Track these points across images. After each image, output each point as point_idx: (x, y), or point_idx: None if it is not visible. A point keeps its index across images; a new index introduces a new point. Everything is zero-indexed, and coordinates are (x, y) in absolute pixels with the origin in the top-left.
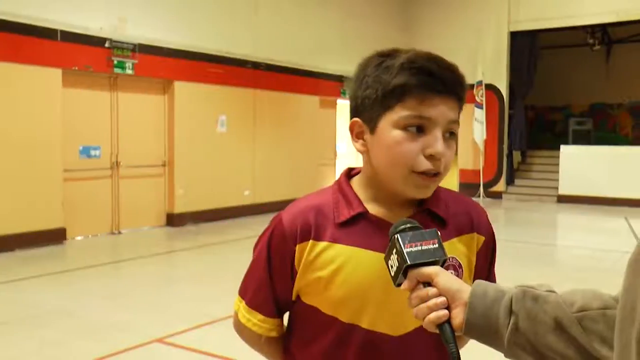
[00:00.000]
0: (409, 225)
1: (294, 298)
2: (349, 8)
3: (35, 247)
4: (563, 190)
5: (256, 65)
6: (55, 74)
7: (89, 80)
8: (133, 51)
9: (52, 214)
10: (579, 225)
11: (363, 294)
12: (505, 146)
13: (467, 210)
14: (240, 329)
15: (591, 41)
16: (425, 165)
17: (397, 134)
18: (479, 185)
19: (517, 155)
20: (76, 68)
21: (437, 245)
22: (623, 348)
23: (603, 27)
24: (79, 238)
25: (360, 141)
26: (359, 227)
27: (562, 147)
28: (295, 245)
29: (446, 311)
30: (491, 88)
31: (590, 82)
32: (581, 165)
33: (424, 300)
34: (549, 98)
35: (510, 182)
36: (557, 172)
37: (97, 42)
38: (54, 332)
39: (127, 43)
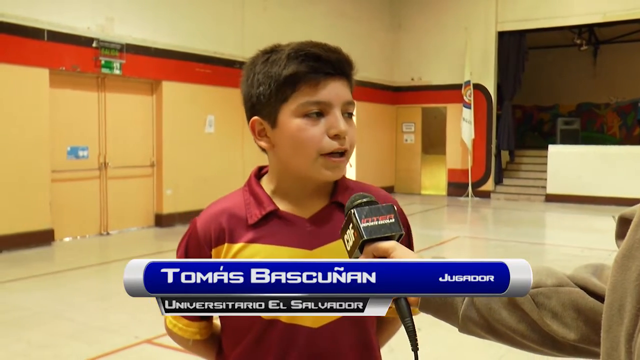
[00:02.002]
0: (365, 199)
1: None
2: (337, 7)
3: (23, 248)
4: (551, 189)
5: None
6: (42, 74)
7: (76, 80)
8: (120, 51)
9: (40, 215)
10: (567, 224)
11: None
12: (493, 146)
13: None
14: (170, 333)
15: (578, 41)
16: (332, 145)
17: (299, 122)
18: (468, 184)
19: (505, 155)
20: (63, 68)
21: (393, 220)
22: (611, 347)
23: (590, 28)
24: (67, 239)
25: (264, 139)
26: (272, 225)
27: (550, 147)
28: (211, 250)
29: None
30: (479, 88)
31: (577, 82)
32: (569, 164)
33: None
34: (537, 98)
35: (498, 181)
36: (545, 171)
37: (84, 42)
38: (42, 334)
39: (114, 43)
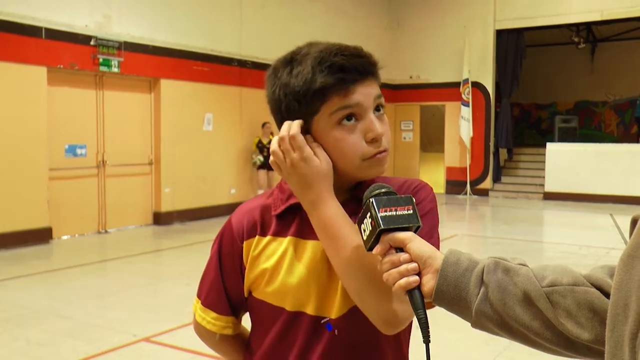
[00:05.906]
0: (384, 190)
1: (246, 295)
2: (336, 5)
3: (21, 246)
4: (549, 187)
5: (242, 63)
6: (40, 72)
7: (74, 78)
8: (119, 49)
9: (38, 214)
10: (564, 222)
11: (306, 282)
12: (491, 144)
13: (400, 185)
14: (197, 328)
15: (576, 39)
16: (371, 151)
17: (336, 133)
18: (466, 182)
19: (503, 153)
20: (61, 66)
21: (411, 212)
22: (615, 346)
23: (588, 26)
24: (65, 237)
25: None
26: (297, 219)
27: (548, 145)
28: (243, 243)
29: (417, 277)
30: (477, 86)
31: (575, 80)
32: (567, 162)
33: (396, 265)
34: (535, 96)
35: (496, 179)
36: (543, 169)
37: (82, 39)
38: (40, 332)
39: (112, 41)
